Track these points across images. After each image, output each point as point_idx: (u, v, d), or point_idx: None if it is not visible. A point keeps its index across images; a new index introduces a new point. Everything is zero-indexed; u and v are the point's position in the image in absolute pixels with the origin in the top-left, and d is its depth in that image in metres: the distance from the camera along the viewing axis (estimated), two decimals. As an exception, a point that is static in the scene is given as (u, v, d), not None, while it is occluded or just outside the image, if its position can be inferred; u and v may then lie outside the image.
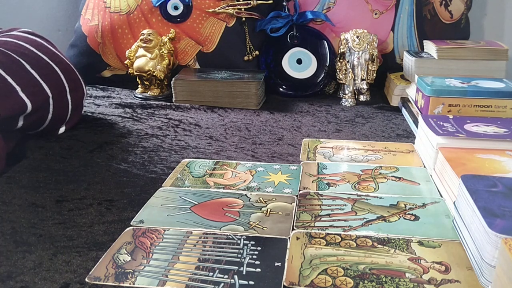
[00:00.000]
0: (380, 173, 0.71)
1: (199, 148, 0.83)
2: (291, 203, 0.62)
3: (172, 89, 1.09)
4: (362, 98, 1.11)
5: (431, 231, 0.55)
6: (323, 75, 1.16)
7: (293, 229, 0.56)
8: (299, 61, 1.17)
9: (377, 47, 1.10)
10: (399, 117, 1.01)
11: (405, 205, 0.61)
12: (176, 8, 1.18)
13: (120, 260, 0.50)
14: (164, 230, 0.56)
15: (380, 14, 1.19)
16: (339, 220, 0.58)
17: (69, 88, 0.86)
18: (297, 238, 0.54)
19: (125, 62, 1.14)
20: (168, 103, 1.09)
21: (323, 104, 1.11)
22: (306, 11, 1.18)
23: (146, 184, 0.69)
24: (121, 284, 0.46)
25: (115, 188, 0.67)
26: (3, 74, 0.74)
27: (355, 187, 0.67)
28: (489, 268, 0.45)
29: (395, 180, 0.69)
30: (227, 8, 1.17)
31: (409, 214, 0.59)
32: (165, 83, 1.15)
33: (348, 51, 1.09)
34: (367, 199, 0.63)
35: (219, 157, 0.79)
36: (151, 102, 1.10)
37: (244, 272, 0.48)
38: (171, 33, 1.16)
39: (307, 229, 0.56)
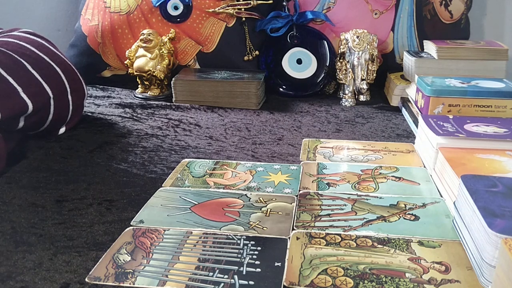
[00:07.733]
0: (380, 173, 0.71)
1: (199, 148, 0.83)
2: (291, 203, 0.62)
3: (172, 89, 1.09)
4: (362, 98, 1.11)
5: (431, 231, 0.55)
6: (323, 75, 1.16)
7: (293, 229, 0.56)
8: (299, 61, 1.17)
9: (377, 47, 1.10)
10: (399, 117, 1.01)
11: (405, 205, 0.61)
12: (176, 8, 1.18)
13: (120, 260, 0.50)
14: (164, 230, 0.56)
15: (380, 14, 1.19)
16: (339, 220, 0.58)
17: (70, 88, 0.86)
18: (297, 238, 0.54)
19: (125, 62, 1.14)
20: (168, 103, 1.09)
21: (323, 104, 1.11)
22: (306, 11, 1.18)
23: (146, 184, 0.69)
24: (121, 284, 0.46)
25: (115, 188, 0.67)
26: (4, 74, 0.74)
27: (355, 187, 0.67)
28: (489, 268, 0.45)
29: (395, 180, 0.69)
30: (227, 8, 1.17)
31: (409, 214, 0.59)
32: (165, 83, 1.15)
33: (348, 51, 1.09)
34: (367, 199, 0.63)
35: (219, 157, 0.79)
36: (151, 102, 1.10)
37: (244, 272, 0.48)
38: (171, 33, 1.16)
39: (307, 229, 0.56)
